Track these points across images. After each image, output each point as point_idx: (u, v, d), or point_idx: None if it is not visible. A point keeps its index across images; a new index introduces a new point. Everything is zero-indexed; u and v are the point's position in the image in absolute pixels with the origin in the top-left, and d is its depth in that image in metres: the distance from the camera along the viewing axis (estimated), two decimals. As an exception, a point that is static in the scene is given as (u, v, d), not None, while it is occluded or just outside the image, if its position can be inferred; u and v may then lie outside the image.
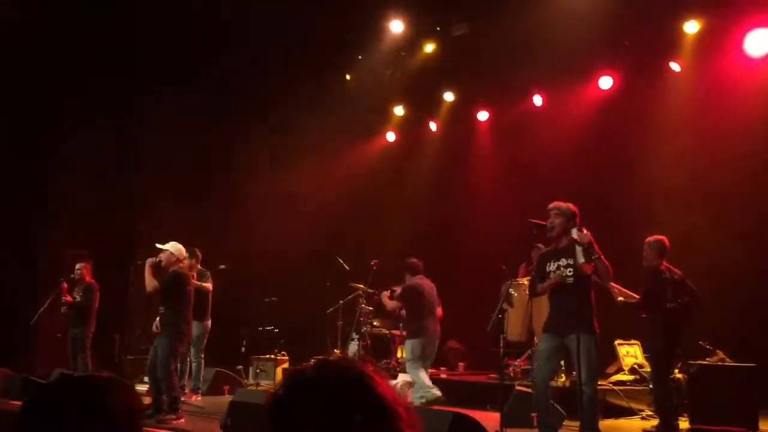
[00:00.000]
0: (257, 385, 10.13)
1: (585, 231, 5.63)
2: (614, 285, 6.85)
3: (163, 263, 7.53)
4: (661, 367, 6.87)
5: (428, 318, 8.23)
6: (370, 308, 10.22)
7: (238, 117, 12.14)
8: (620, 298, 7.13)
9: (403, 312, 8.75)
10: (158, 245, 7.64)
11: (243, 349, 10.51)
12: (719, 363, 7.11)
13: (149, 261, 7.52)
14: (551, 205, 5.95)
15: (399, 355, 10.40)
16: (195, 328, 8.31)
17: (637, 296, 7.04)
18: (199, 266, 9.16)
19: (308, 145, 12.09)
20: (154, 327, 8.19)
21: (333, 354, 10.37)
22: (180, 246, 7.72)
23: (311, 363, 1.39)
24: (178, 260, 7.64)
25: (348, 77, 11.69)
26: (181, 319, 7.47)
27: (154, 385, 7.47)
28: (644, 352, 8.43)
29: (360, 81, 11.51)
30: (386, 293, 8.59)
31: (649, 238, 6.97)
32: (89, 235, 11.18)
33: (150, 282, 7.42)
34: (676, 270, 6.91)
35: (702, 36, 9.02)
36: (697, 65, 9.26)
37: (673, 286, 6.80)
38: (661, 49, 9.42)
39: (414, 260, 8.47)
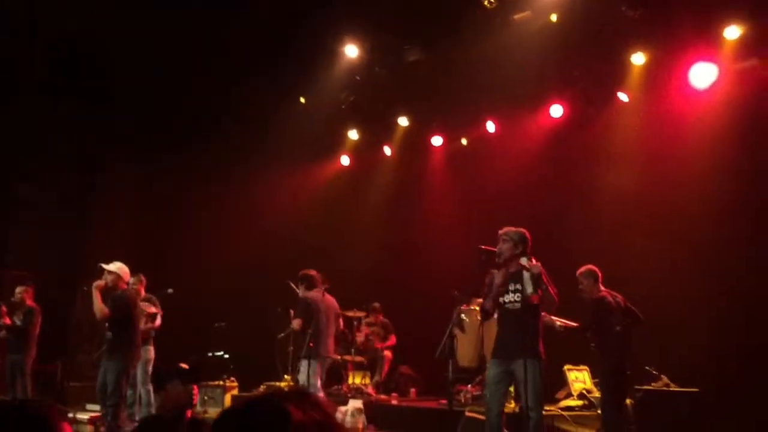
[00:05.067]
0: (205, 412, 9.90)
1: (534, 261, 5.68)
2: (553, 317, 6.94)
3: (109, 284, 7.36)
4: (613, 391, 6.93)
5: (323, 336, 7.83)
6: (322, 333, 10.09)
7: (187, 138, 11.98)
8: (558, 323, 7.25)
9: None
10: (103, 265, 7.46)
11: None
12: (664, 388, 7.21)
13: (96, 285, 7.31)
14: (501, 231, 6.01)
15: (350, 381, 10.31)
16: (141, 354, 8.12)
17: (576, 324, 7.18)
18: (143, 292, 8.96)
19: (260, 168, 11.99)
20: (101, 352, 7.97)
21: (283, 379, 10.23)
22: (125, 267, 7.56)
23: (239, 403, 1.43)
24: (124, 281, 7.51)
25: (302, 100, 11.66)
26: (130, 341, 7.32)
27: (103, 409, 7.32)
28: (593, 377, 8.50)
29: (314, 104, 11.50)
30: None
31: (581, 269, 7.18)
32: (31, 257, 10.86)
33: (100, 309, 7.20)
34: (617, 294, 7.10)
35: (649, 67, 9.25)
36: (644, 96, 9.48)
37: (617, 310, 6.96)
38: (610, 80, 9.63)
39: (311, 272, 8.06)
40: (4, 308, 9.05)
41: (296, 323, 7.74)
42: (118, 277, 7.41)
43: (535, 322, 5.75)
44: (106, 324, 7.34)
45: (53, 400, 8.75)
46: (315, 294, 7.92)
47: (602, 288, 7.12)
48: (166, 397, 3.79)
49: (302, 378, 7.66)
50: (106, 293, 7.34)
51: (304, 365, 7.66)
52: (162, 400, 3.86)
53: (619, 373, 6.95)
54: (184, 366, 3.90)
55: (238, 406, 1.42)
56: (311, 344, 7.50)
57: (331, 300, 8.08)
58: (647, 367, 7.63)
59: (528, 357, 5.47)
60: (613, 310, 6.99)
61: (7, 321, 9.05)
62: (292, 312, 8.14)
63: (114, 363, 7.22)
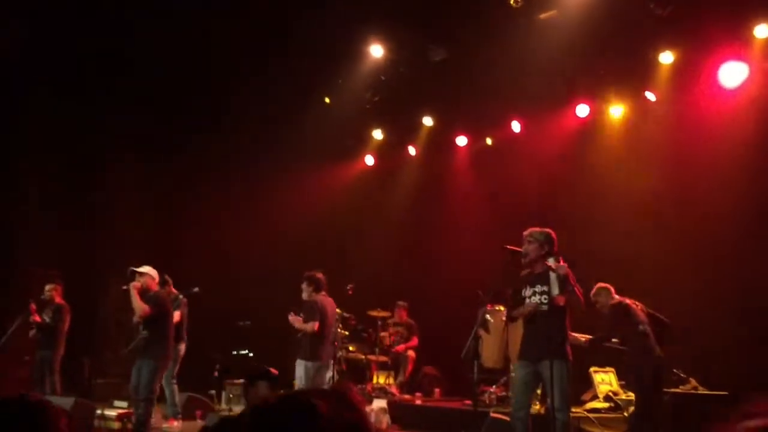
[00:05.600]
0: (230, 410, 9.94)
1: (562, 262, 5.64)
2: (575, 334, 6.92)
3: (143, 286, 7.49)
4: (646, 392, 6.87)
5: (326, 340, 7.78)
6: (346, 333, 10.13)
7: (213, 137, 12.06)
8: (582, 339, 7.27)
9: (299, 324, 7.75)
10: (135, 269, 7.60)
11: (216, 374, 10.34)
12: (692, 391, 7.13)
13: (133, 285, 7.47)
14: (526, 232, 5.97)
15: (374, 380, 10.31)
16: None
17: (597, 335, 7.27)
18: (173, 290, 9.05)
19: (285, 168, 12.03)
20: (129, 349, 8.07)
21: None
22: (153, 270, 7.76)
23: (269, 399, 1.43)
24: (155, 282, 7.68)
25: (327, 100, 11.69)
26: (165, 341, 7.50)
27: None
28: (620, 379, 8.44)
29: (339, 104, 11.51)
30: (293, 316, 7.82)
31: (593, 290, 7.22)
32: (58, 255, 11.00)
33: (140, 308, 7.34)
34: (637, 302, 7.14)
35: (677, 66, 9.14)
36: (672, 95, 9.37)
37: (638, 312, 6.97)
38: (638, 79, 9.53)
39: (318, 274, 7.99)
40: (33, 306, 9.17)
41: (312, 326, 7.59)
42: (149, 278, 7.60)
43: (562, 323, 5.70)
44: (141, 323, 7.45)
45: (81, 396, 8.83)
46: (322, 297, 7.88)
47: (617, 297, 7.18)
48: (253, 396, 3.82)
49: (301, 381, 7.63)
50: (141, 294, 7.47)
51: (302, 366, 7.63)
52: (250, 397, 3.88)
53: (646, 371, 6.88)
54: (274, 371, 3.95)
55: (269, 402, 1.42)
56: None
57: (332, 303, 8.02)
58: (675, 370, 7.56)
59: (555, 358, 5.43)
60: (632, 312, 7.03)
61: (37, 318, 9.17)
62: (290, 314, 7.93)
63: (148, 361, 7.38)
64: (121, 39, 10.67)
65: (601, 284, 7.28)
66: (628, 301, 7.10)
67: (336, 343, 9.83)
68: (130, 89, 11.43)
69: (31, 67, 10.90)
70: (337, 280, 10.26)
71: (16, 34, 10.16)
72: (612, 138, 9.93)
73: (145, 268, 7.64)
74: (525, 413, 5.78)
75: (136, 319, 7.45)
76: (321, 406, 1.37)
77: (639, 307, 7.10)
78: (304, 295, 7.91)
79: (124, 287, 7.51)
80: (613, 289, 7.27)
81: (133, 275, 7.56)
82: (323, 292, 7.88)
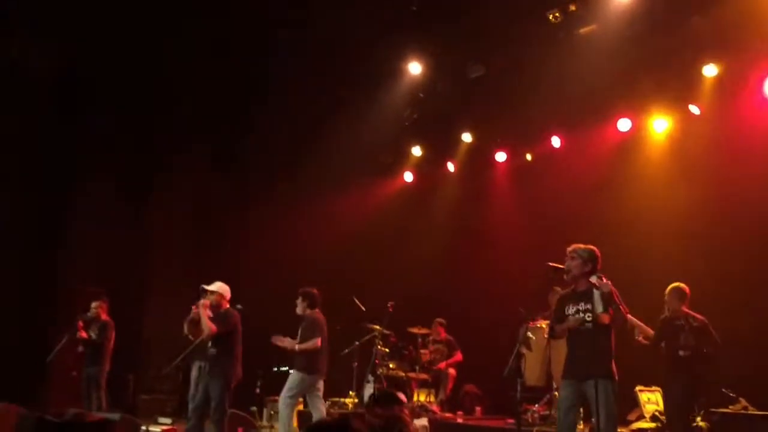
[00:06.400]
0: (271, 427, 9.99)
1: (605, 280, 5.56)
2: (633, 319, 6.78)
3: (213, 303, 7.55)
4: (676, 415, 6.81)
5: (324, 355, 7.91)
6: (386, 350, 10.12)
7: (254, 156, 12.22)
8: (639, 338, 7.14)
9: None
10: (205, 287, 7.68)
11: (257, 390, 10.40)
12: (742, 411, 6.95)
13: (202, 303, 7.53)
14: (570, 248, 5.90)
15: (415, 398, 10.26)
16: None
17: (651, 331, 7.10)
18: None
19: (325, 185, 12.12)
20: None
21: (348, 396, 10.27)
22: (226, 286, 7.78)
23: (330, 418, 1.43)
24: (226, 300, 7.67)
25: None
26: (233, 358, 7.51)
27: (198, 423, 7.51)
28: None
29: (377, 121, 11.56)
30: (281, 339, 8.03)
31: (670, 286, 7.04)
32: (103, 273, 11.22)
33: (208, 327, 7.39)
34: (697, 316, 6.91)
35: (721, 79, 8.98)
36: (716, 108, 9.20)
37: (687, 332, 6.80)
38: (681, 92, 9.39)
39: (315, 291, 8.12)
40: (80, 323, 9.36)
41: (314, 343, 7.77)
42: (220, 296, 7.64)
43: (607, 341, 5.61)
44: (212, 341, 7.50)
45: (126, 412, 8.97)
46: (318, 313, 8.01)
47: (684, 308, 6.99)
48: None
49: (292, 391, 7.70)
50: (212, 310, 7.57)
51: (296, 376, 7.74)
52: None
53: (685, 399, 6.84)
54: (402, 396, 4.05)
55: (325, 423, 1.43)
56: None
57: (324, 319, 8.10)
58: (724, 390, 7.36)
59: (600, 377, 5.34)
60: (680, 334, 6.89)
61: (84, 335, 9.36)
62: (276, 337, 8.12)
63: (216, 379, 7.42)
64: (163, 61, 10.93)
65: (677, 284, 7.06)
66: (680, 321, 6.94)
67: (377, 360, 9.86)
68: (175, 109, 11.67)
69: (85, 87, 11.21)
70: (377, 297, 10.29)
71: (73, 54, 10.50)
72: (655, 152, 9.78)
73: (216, 285, 7.67)
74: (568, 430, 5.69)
75: (203, 337, 7.48)
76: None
77: (696, 325, 6.91)
78: (299, 310, 8.05)
79: (194, 306, 7.60)
80: (688, 294, 7.01)
81: (204, 293, 7.61)
82: (317, 309, 8.03)
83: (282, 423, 7.78)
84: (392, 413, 3.11)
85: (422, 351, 10.62)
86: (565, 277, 5.89)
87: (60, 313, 10.74)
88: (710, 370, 6.90)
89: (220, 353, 7.44)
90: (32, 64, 10.39)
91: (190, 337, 9.28)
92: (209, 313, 7.51)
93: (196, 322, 7.68)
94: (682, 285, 7.04)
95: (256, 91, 11.36)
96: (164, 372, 9.56)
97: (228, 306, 7.70)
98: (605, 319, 5.53)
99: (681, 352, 6.83)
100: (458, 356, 10.61)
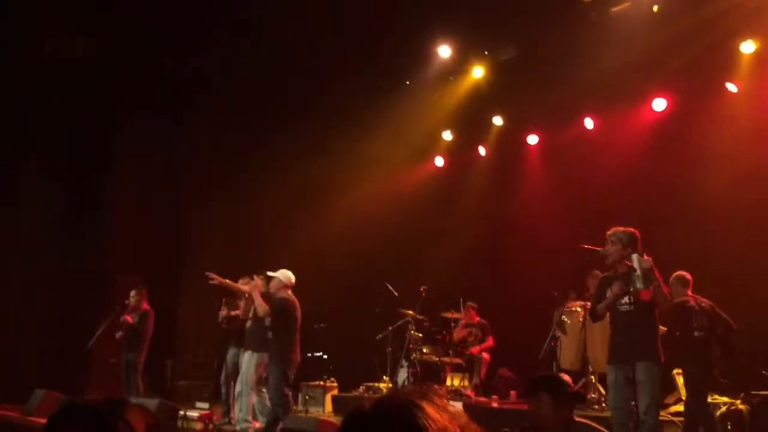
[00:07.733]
0: (306, 411, 10.09)
1: (646, 257, 5.50)
2: None
3: (271, 290, 7.79)
4: (698, 392, 6.86)
5: (297, 343, 7.79)
6: (420, 335, 10.12)
7: (287, 142, 12.24)
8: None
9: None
10: (269, 273, 7.97)
11: (292, 376, 10.48)
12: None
13: (254, 284, 7.90)
14: (610, 231, 5.83)
15: (448, 383, 10.26)
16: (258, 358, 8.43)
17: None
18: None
19: (356, 171, 12.11)
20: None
21: (382, 381, 10.30)
22: (289, 273, 7.94)
23: (368, 403, 1.42)
24: (286, 287, 7.82)
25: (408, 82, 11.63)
26: (290, 344, 7.63)
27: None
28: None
29: (408, 106, 11.50)
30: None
31: (674, 275, 7.09)
32: (141, 260, 11.38)
33: (261, 305, 7.69)
34: (703, 300, 6.91)
35: (760, 56, 8.76)
36: (754, 86, 8.98)
37: (699, 314, 6.86)
38: (717, 70, 9.18)
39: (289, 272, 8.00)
40: (124, 309, 9.55)
41: (265, 312, 7.76)
42: (279, 281, 7.80)
43: (651, 323, 5.54)
44: (270, 325, 7.73)
45: (163, 397, 9.11)
46: (290, 295, 7.88)
47: (689, 293, 7.04)
48: (533, 410, 3.72)
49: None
50: (268, 298, 7.83)
51: (275, 371, 7.68)
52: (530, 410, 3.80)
53: (703, 378, 6.90)
54: (570, 383, 3.86)
55: (367, 411, 1.40)
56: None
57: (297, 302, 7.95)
58: (764, 372, 7.26)
59: (644, 360, 5.29)
60: (693, 315, 6.91)
61: (129, 319, 9.53)
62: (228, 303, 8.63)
63: (273, 367, 7.63)
64: (200, 59, 11.06)
65: (680, 273, 7.14)
66: (692, 303, 6.91)
67: (411, 345, 9.88)
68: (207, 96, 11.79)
69: (126, 83, 11.38)
70: (410, 282, 10.30)
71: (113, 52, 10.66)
72: (691, 131, 9.58)
73: (279, 272, 7.87)
74: (621, 414, 5.59)
75: (260, 314, 7.79)
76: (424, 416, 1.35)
77: (706, 307, 6.92)
78: (269, 290, 8.07)
79: (246, 295, 7.87)
80: (690, 281, 7.11)
81: (268, 278, 7.90)
82: (290, 290, 7.98)
83: (242, 408, 8.20)
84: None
85: (455, 335, 10.59)
86: (605, 261, 5.84)
87: (98, 300, 10.92)
88: (725, 352, 6.95)
89: (276, 340, 7.60)
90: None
91: (223, 325, 9.43)
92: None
93: (251, 302, 7.99)
94: (685, 273, 7.13)
95: (291, 76, 11.36)
96: (199, 360, 9.70)
97: (290, 293, 7.82)
98: (646, 295, 5.46)
99: (696, 333, 6.88)
100: (490, 341, 10.56)
